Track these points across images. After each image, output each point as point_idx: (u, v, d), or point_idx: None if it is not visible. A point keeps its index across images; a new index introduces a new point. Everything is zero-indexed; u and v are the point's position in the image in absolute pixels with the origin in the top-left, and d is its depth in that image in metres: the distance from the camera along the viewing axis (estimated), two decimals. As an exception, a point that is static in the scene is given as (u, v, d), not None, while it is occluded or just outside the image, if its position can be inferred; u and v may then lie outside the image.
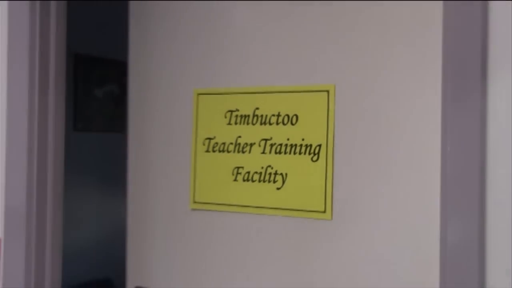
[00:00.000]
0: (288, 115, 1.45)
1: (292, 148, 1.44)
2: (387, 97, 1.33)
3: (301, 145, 1.42)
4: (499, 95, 1.16)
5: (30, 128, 1.58)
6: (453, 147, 1.20)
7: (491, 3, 1.16)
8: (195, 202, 1.57)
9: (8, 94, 1.58)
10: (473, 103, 1.17)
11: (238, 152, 1.51)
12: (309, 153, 1.41)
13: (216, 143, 1.54)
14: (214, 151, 1.55)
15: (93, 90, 3.79)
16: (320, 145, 1.40)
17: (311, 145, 1.41)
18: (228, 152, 1.52)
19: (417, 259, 1.29)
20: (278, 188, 1.45)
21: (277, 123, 1.46)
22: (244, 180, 1.50)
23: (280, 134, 1.46)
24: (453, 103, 1.20)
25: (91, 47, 3.68)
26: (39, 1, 1.56)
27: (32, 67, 1.57)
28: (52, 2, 1.60)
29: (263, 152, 1.48)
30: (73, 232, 3.02)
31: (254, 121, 1.49)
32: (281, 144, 1.45)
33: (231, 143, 1.52)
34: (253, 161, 1.49)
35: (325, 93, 1.39)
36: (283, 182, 1.44)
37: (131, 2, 1.72)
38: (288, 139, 1.44)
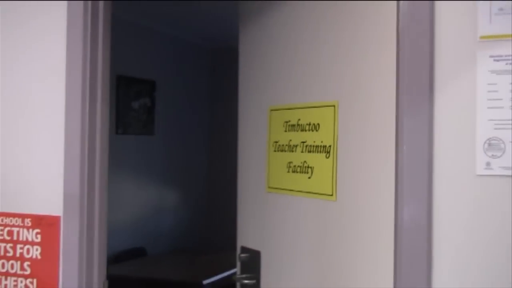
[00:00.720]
0: (314, 124, 1.97)
1: (316, 148, 1.95)
2: (366, 110, 1.77)
3: (321, 146, 1.94)
4: (443, 106, 1.54)
5: (82, 132, 1.96)
6: (407, 146, 1.60)
7: (437, 29, 1.54)
8: (269, 187, 2.19)
9: (66, 106, 1.98)
10: (422, 113, 1.56)
11: (289, 151, 2.08)
12: (325, 152, 1.91)
13: (279, 145, 2.14)
14: (278, 151, 2.14)
15: (130, 102, 4.79)
16: (330, 146, 1.89)
17: (325, 146, 1.91)
18: (285, 151, 2.11)
19: (379, 233, 1.71)
20: (309, 178, 1.99)
21: (309, 130, 1.99)
22: (292, 172, 2.07)
23: (310, 138, 1.99)
24: (406, 112, 1.59)
25: (129, 69, 4.74)
26: (90, 40, 1.99)
27: (84, 86, 1.97)
28: (99, 40, 2.04)
29: (302, 151, 2.02)
30: (115, 211, 4.00)
31: (297, 129, 2.05)
32: (311, 145, 1.98)
33: (286, 145, 2.10)
34: (297, 158, 2.05)
35: (332, 107, 1.88)
36: (312, 173, 1.97)
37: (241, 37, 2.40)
38: (314, 142, 1.97)
